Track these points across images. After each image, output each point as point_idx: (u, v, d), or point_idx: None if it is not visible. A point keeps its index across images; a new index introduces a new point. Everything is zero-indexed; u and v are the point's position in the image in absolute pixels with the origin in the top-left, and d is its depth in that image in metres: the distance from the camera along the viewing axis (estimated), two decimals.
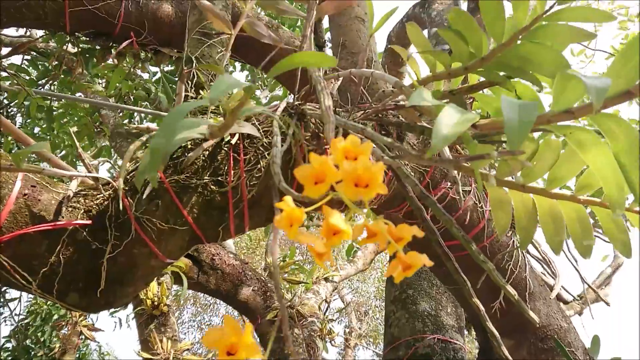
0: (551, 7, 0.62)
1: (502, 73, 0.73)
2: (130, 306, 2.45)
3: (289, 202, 0.39)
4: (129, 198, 0.73)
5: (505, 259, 1.18)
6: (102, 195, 0.74)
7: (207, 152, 0.75)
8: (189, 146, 0.76)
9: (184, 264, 2.33)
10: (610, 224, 0.72)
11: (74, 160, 3.20)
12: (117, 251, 0.73)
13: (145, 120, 3.09)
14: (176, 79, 1.96)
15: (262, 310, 2.48)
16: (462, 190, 1.20)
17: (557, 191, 0.74)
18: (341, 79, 0.84)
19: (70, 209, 0.72)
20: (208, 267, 2.42)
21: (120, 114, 3.19)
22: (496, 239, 1.16)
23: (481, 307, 0.67)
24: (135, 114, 3.19)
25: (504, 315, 1.21)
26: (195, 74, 0.88)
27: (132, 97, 2.24)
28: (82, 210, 0.73)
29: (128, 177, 0.76)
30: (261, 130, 0.76)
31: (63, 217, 0.71)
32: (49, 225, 0.69)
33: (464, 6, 2.77)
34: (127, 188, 0.74)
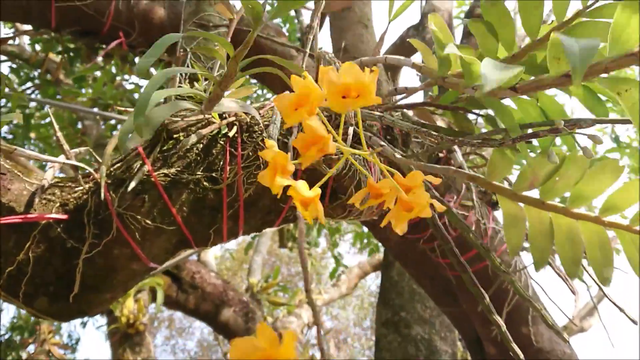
0: (594, 2, 0.57)
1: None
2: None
3: (272, 145, 0.34)
4: (111, 192, 0.65)
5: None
6: (81, 187, 0.66)
7: (202, 145, 0.68)
8: (181, 138, 0.69)
9: (163, 280, 2.22)
10: (634, 250, 0.66)
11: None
12: (95, 251, 0.64)
13: None
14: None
15: (243, 333, 2.37)
16: (463, 206, 1.15)
17: (579, 211, 0.69)
18: None
19: (44, 201, 0.64)
20: (188, 286, 2.31)
21: (103, 126, 3.10)
22: (500, 257, 1.10)
23: (502, 324, 0.61)
24: (119, 126, 3.10)
25: None
26: (190, 65, 0.81)
27: (117, 105, 2.16)
28: (58, 204, 0.65)
29: (111, 170, 0.68)
30: (262, 123, 0.69)
31: (35, 209, 0.63)
32: (18, 217, 0.61)
33: (458, 32, 2.77)
34: (109, 181, 0.67)
